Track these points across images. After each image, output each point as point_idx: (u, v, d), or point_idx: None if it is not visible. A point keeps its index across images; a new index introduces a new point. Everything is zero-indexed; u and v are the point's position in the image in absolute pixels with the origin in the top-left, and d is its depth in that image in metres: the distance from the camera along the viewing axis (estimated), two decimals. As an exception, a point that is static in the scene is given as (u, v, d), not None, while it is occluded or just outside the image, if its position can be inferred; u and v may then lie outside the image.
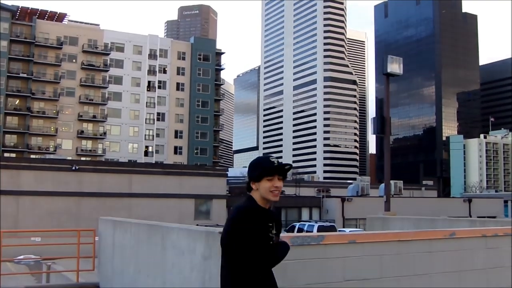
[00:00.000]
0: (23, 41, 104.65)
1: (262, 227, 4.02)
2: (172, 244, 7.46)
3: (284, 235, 5.16)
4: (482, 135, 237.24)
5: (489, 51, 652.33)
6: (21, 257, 22.00)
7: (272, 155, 4.35)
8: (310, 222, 43.35)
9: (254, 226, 3.98)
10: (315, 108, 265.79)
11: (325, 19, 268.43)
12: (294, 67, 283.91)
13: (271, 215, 4.19)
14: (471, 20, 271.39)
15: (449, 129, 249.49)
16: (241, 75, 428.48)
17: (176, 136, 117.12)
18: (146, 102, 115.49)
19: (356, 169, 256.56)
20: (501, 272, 7.22)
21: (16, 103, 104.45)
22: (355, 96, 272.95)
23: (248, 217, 4.03)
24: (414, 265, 6.44)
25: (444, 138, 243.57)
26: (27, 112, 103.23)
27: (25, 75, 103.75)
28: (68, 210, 42.10)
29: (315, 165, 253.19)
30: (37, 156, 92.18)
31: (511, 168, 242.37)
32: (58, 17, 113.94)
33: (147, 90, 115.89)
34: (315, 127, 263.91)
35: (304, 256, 5.69)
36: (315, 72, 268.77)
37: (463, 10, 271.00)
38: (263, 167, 4.15)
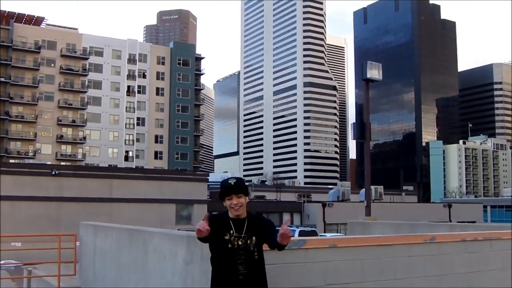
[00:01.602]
0: (0, 44, 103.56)
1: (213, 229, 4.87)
2: (154, 249, 7.46)
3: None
4: (461, 141, 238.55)
5: (468, 58, 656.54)
6: (2, 262, 21.83)
7: (231, 177, 5.27)
8: (291, 227, 43.38)
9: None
10: (295, 113, 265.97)
11: (304, 24, 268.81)
12: (274, 73, 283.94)
13: (237, 223, 5.02)
14: (450, 26, 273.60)
15: (429, 134, 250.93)
16: (221, 80, 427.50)
17: (156, 141, 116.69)
18: (126, 107, 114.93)
19: (337, 174, 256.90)
20: (481, 276, 7.30)
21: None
22: (335, 101, 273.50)
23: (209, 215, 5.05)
24: (394, 269, 6.48)
25: (423, 144, 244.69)
26: (5, 116, 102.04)
27: (3, 79, 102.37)
28: (48, 215, 41.81)
29: (295, 170, 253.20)
30: (16, 161, 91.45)
31: (490, 174, 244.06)
32: (35, 21, 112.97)
33: (127, 95, 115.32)
34: (295, 132, 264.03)
35: (286, 260, 5.72)
36: (295, 78, 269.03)
37: (442, 17, 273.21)
38: (221, 190, 5.04)
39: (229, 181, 5.00)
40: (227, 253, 4.90)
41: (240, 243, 4.92)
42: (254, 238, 4.98)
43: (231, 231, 4.95)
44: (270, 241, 5.02)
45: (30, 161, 79.93)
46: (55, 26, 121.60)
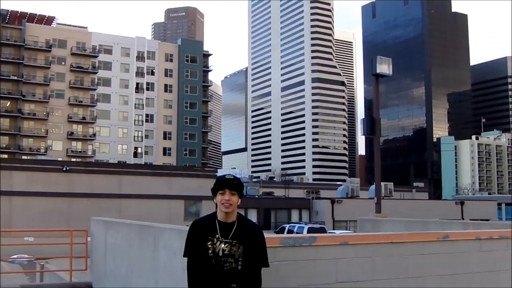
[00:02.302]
0: (13, 44, 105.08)
1: (196, 238, 4.69)
2: (164, 245, 7.45)
3: (275, 236, 5.15)
4: (474, 137, 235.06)
5: (480, 51, 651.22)
6: (15, 256, 22.04)
7: (230, 173, 5.00)
8: (300, 223, 43.35)
9: (188, 235, 4.79)
10: (303, 109, 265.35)
11: (312, 20, 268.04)
12: (282, 68, 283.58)
13: (224, 226, 4.69)
14: (461, 19, 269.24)
15: (440, 130, 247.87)
16: (228, 76, 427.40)
17: (165, 138, 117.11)
18: (135, 104, 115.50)
19: (346, 171, 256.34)
20: (496, 275, 7.22)
21: (7, 105, 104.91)
22: (343, 97, 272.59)
23: (190, 228, 4.84)
24: (407, 267, 6.44)
25: (435, 140, 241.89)
26: (18, 114, 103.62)
27: (15, 78, 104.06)
28: (59, 210, 42.03)
29: (304, 167, 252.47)
30: (28, 157, 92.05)
31: (504, 170, 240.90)
32: (46, 20, 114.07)
33: (136, 92, 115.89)
34: (303, 128, 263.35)
35: (296, 257, 5.68)
36: (303, 73, 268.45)
37: (453, 10, 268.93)
38: (215, 184, 4.74)
39: (226, 176, 4.73)
40: (207, 261, 4.57)
41: (223, 246, 4.58)
42: (241, 246, 4.61)
43: (217, 235, 4.62)
44: (254, 264, 4.68)
45: (41, 158, 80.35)
46: (65, 25, 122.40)
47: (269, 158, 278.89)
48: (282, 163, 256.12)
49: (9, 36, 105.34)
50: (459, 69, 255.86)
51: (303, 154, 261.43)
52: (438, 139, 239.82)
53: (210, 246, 4.58)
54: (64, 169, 44.24)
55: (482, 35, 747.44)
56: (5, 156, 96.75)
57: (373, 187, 41.25)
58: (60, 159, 74.59)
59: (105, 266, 10.77)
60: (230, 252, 4.57)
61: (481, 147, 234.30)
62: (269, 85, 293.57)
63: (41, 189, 42.48)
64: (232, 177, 4.71)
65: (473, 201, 74.99)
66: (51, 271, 15.03)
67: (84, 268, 12.92)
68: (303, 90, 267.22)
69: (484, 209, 66.82)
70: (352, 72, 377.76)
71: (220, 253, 4.56)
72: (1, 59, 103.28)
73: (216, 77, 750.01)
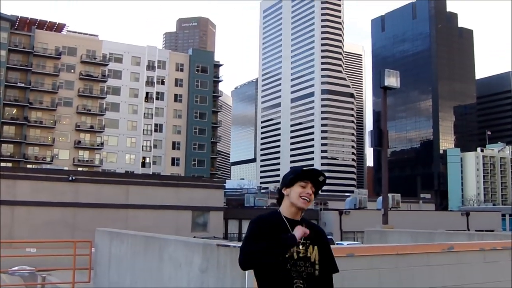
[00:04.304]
0: (21, 50, 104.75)
1: (265, 236, 3.87)
2: (169, 256, 7.42)
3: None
4: (479, 149, 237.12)
5: (485, 65, 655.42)
6: (16, 268, 21.87)
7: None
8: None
9: (255, 232, 3.93)
10: (312, 120, 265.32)
11: (322, 32, 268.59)
12: (292, 80, 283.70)
13: (294, 225, 4.02)
14: (467, 34, 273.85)
15: (446, 142, 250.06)
16: (238, 87, 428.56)
17: (173, 148, 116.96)
18: (144, 113, 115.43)
19: (354, 182, 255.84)
20: (500, 286, 7.18)
21: (14, 112, 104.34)
22: (352, 109, 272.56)
23: (256, 224, 4.01)
24: (412, 279, 6.40)
25: (441, 152, 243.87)
26: (24, 121, 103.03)
27: (23, 85, 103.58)
28: (64, 220, 41.81)
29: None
30: (33, 166, 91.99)
31: (508, 182, 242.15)
32: (57, 28, 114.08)
33: (145, 101, 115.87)
34: (312, 139, 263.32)
35: (302, 269, 5.63)
36: (312, 85, 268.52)
37: (459, 25, 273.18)
38: (298, 172, 4.21)
39: (305, 169, 4.16)
40: (283, 264, 3.86)
41: (300, 249, 3.94)
42: (315, 247, 4.03)
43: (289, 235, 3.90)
44: (328, 269, 4.15)
45: (47, 167, 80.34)
46: (76, 32, 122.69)
47: (278, 169, 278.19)
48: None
49: (18, 42, 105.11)
50: (465, 83, 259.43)
51: (312, 165, 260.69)
52: (445, 151, 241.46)
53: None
54: (70, 178, 44.13)
55: (487, 50, 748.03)
56: (10, 164, 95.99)
57: (380, 198, 41.16)
58: (66, 168, 74.71)
59: (109, 277, 10.72)
60: (306, 254, 3.95)
61: (486, 159, 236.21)
62: (279, 96, 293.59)
63: (46, 198, 42.21)
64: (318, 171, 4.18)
65: (478, 212, 75.04)
66: (53, 283, 14.90)
67: (87, 280, 12.79)
68: (312, 101, 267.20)
69: (489, 220, 66.78)
70: (361, 84, 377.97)
71: (295, 256, 3.91)
72: (9, 65, 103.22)
73: (226, 87, 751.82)
